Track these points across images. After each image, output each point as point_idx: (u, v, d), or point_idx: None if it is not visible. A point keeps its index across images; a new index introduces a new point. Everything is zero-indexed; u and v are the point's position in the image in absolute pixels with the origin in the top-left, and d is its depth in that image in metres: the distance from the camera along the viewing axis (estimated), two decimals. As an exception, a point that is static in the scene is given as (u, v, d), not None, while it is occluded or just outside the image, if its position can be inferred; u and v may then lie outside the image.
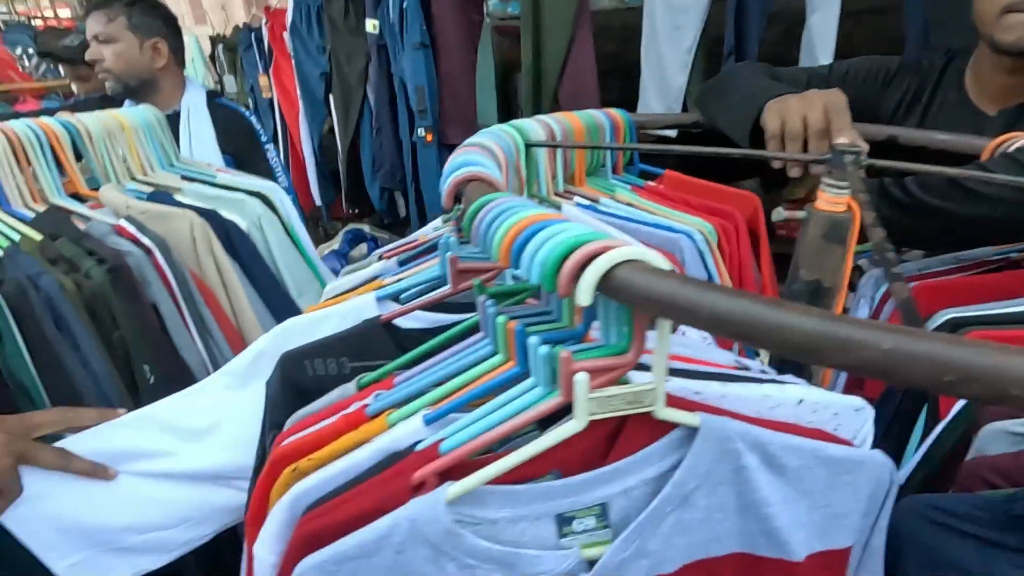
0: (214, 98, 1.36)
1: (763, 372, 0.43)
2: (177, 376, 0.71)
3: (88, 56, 1.24)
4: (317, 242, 2.00)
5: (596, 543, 0.35)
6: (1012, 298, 0.53)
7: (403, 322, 0.50)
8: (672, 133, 1.34)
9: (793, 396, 0.37)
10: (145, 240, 0.71)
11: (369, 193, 2.22)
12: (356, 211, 2.56)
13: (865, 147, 0.52)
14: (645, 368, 0.33)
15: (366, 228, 2.41)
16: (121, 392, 0.64)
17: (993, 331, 0.49)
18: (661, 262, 0.29)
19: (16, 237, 0.68)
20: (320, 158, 2.54)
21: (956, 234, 0.62)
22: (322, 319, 0.53)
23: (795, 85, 0.77)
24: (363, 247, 2.39)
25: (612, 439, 0.35)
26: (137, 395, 0.66)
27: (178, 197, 0.86)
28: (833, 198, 0.50)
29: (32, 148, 0.76)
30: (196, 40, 3.26)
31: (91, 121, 0.83)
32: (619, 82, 1.53)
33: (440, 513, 0.32)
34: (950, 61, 0.80)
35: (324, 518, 0.34)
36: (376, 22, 1.89)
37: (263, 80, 2.65)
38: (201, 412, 0.56)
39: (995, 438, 0.41)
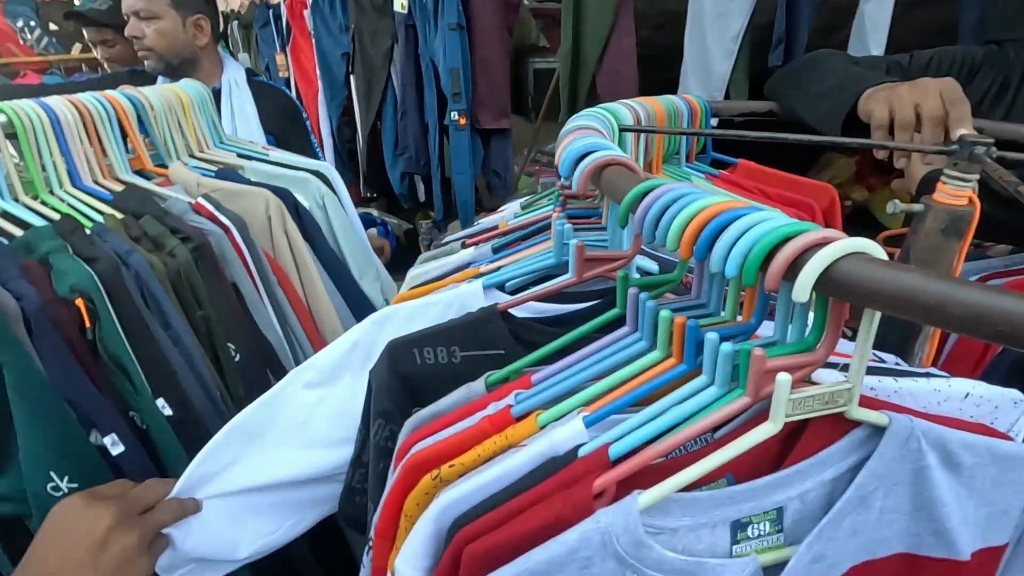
0: (252, 76, 1.34)
1: (897, 364, 0.42)
2: (259, 354, 0.71)
3: (128, 32, 1.20)
4: None
5: (769, 548, 0.34)
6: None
7: (517, 311, 0.48)
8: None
9: (960, 390, 0.36)
10: (223, 218, 0.70)
11: (389, 177, 2.17)
12: (374, 195, 2.52)
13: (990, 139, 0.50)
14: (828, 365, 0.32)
15: (374, 212, 2.37)
16: (210, 369, 0.65)
17: None
18: (880, 252, 0.27)
19: (97, 216, 0.67)
20: (337, 139, 2.48)
21: None
22: (422, 308, 0.51)
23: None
24: (373, 231, 2.36)
25: (788, 440, 0.34)
26: (222, 373, 0.66)
27: (245, 175, 0.85)
28: (955, 191, 0.49)
29: (102, 122, 0.73)
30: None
31: (153, 96, 0.80)
32: (656, 69, 1.50)
33: (633, 523, 0.30)
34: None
35: (496, 534, 0.31)
36: (405, 1, 1.84)
37: (280, 59, 2.57)
38: (287, 415, 0.53)
39: None
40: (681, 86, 1.42)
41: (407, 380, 0.47)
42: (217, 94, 1.26)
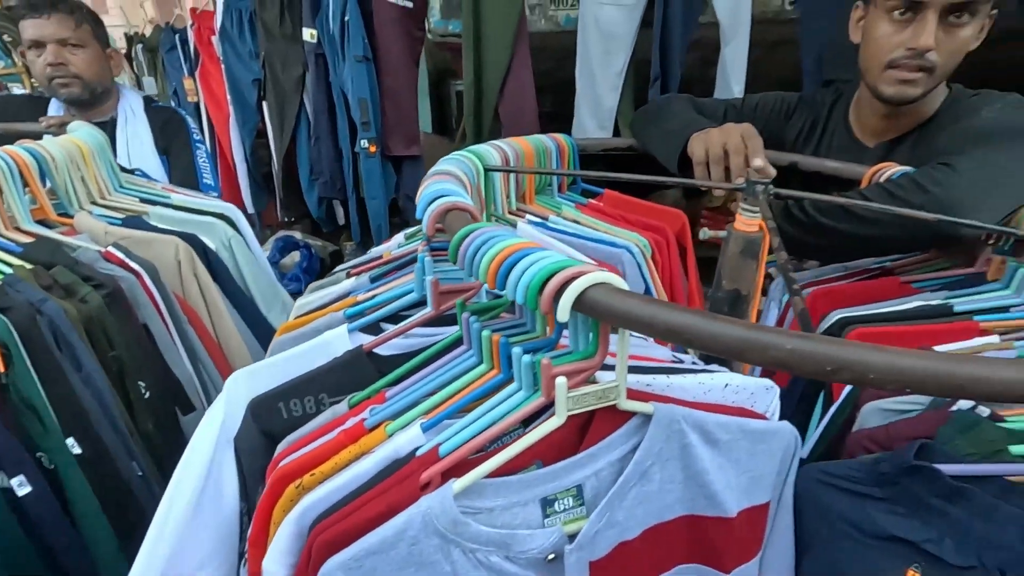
0: (151, 103, 1.39)
1: (694, 363, 0.52)
2: (168, 390, 0.77)
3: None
4: None
5: (574, 519, 0.42)
6: (885, 299, 0.66)
7: (383, 349, 0.52)
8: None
9: (720, 381, 0.46)
10: (134, 265, 0.75)
11: (306, 201, 2.17)
12: (291, 219, 2.50)
13: (772, 173, 0.63)
14: (608, 368, 0.41)
15: (297, 235, 2.35)
16: (120, 407, 0.68)
17: (870, 328, 0.61)
18: (622, 283, 0.36)
19: (7, 268, 0.70)
20: (252, 164, 2.48)
21: (844, 248, 0.75)
22: (284, 363, 0.51)
23: (715, 115, 0.90)
24: (295, 255, 2.34)
25: (583, 430, 0.42)
26: (132, 411, 0.71)
27: (151, 221, 0.89)
28: (748, 220, 0.61)
29: (4, 179, 0.76)
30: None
31: (54, 148, 0.83)
32: (555, 98, 1.63)
33: (449, 505, 0.37)
34: (837, 99, 0.95)
35: (340, 524, 0.38)
36: (315, 31, 1.87)
37: (188, 84, 2.54)
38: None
39: (872, 414, 0.52)
40: (576, 116, 1.55)
41: (276, 438, 0.47)
42: (114, 122, 1.27)
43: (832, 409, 0.58)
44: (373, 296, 0.57)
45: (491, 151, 0.71)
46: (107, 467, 0.67)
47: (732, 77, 1.46)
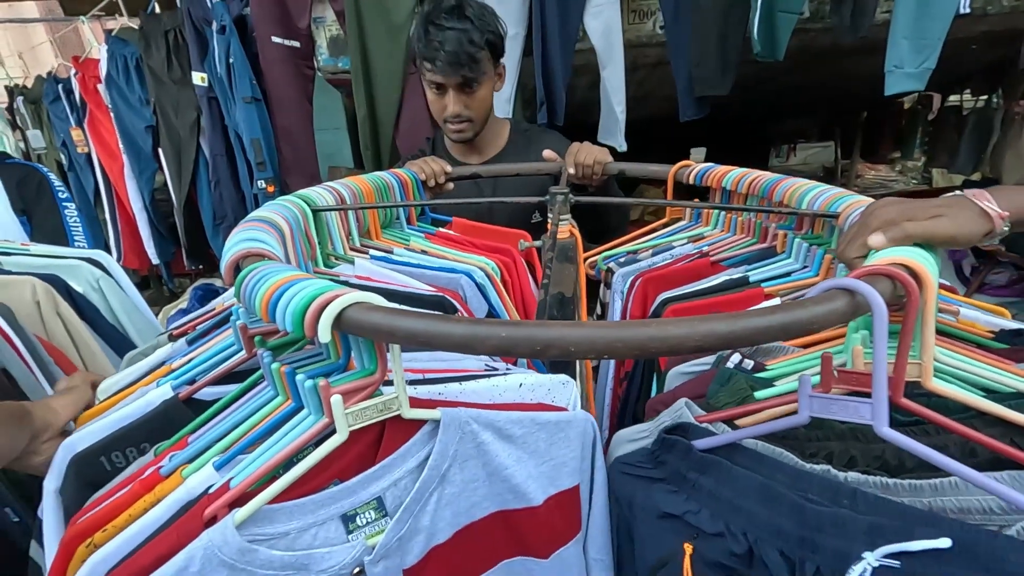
0: (4, 159, 1.30)
1: (508, 370, 0.55)
2: None
3: None
4: (162, 302, 1.87)
5: (379, 532, 0.43)
6: (700, 279, 0.73)
7: (205, 395, 0.51)
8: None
9: (514, 382, 0.49)
10: None
11: (212, 247, 2.12)
12: (200, 267, 2.41)
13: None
14: (418, 383, 0.43)
15: (218, 283, 2.27)
16: None
17: (684, 304, 0.67)
18: (378, 300, 0.39)
19: None
20: (153, 214, 2.39)
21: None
22: (112, 424, 0.50)
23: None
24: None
25: (378, 444, 0.44)
26: None
27: (7, 265, 0.85)
28: (560, 228, 0.66)
29: None
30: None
31: None
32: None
33: (230, 536, 0.38)
34: (436, 136, 1.23)
35: (123, 572, 0.38)
36: (204, 75, 1.85)
37: (76, 134, 2.43)
38: None
39: (674, 377, 0.57)
40: (472, 142, 1.61)
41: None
42: None
43: (658, 380, 0.63)
44: (189, 360, 0.55)
45: (323, 193, 0.73)
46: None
47: (613, 98, 1.57)
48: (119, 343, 0.92)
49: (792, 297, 0.58)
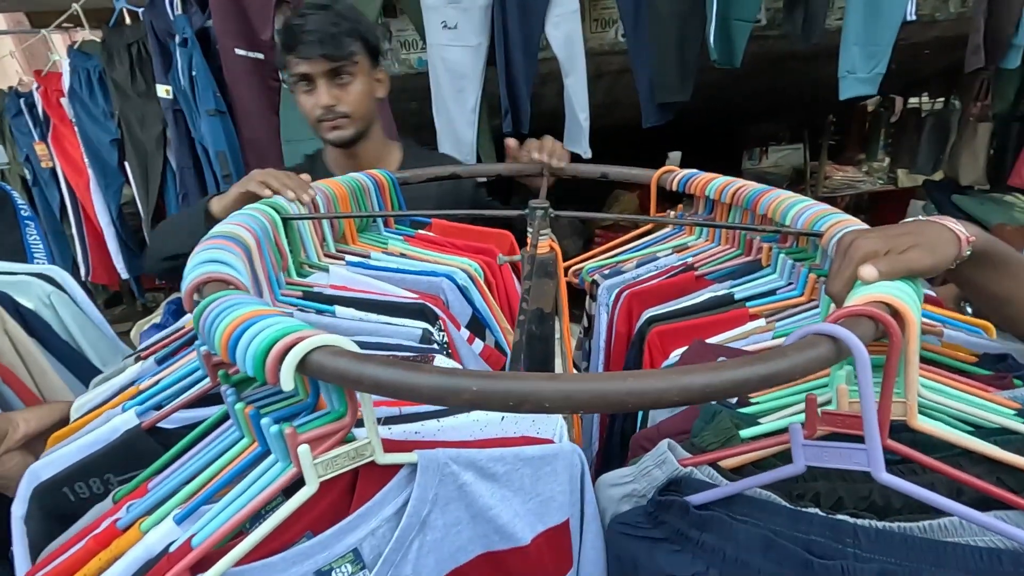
0: None
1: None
2: None
3: None
4: (135, 317, 1.81)
5: (356, 584, 0.41)
6: (685, 294, 0.72)
7: (169, 423, 0.49)
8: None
9: (496, 415, 0.47)
10: None
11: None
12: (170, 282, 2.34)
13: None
14: (392, 421, 0.40)
15: (192, 300, 2.19)
16: None
17: (668, 325, 0.66)
18: (346, 345, 0.36)
19: None
20: (121, 228, 2.33)
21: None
22: (78, 451, 0.48)
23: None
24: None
25: (351, 491, 0.41)
26: None
27: None
28: (539, 243, 0.64)
29: None
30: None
31: None
32: (424, 135, 1.66)
33: (190, 604, 0.34)
34: (314, 156, 1.14)
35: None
36: (169, 87, 1.80)
37: (40, 148, 2.36)
38: None
39: (660, 411, 0.55)
40: (440, 151, 1.59)
41: (67, 521, 0.45)
42: None
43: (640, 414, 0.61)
44: (158, 381, 0.53)
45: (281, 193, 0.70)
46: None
47: (576, 105, 1.56)
48: (72, 360, 0.87)
49: (780, 318, 0.57)
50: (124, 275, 2.45)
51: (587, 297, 0.83)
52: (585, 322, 0.90)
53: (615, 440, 0.70)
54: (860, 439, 0.35)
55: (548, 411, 0.31)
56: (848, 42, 1.44)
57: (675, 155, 3.39)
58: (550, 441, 0.48)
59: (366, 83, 1.01)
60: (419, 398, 0.32)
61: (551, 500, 0.47)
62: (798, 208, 0.57)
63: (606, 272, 0.83)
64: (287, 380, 0.34)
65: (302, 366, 0.35)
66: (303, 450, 0.37)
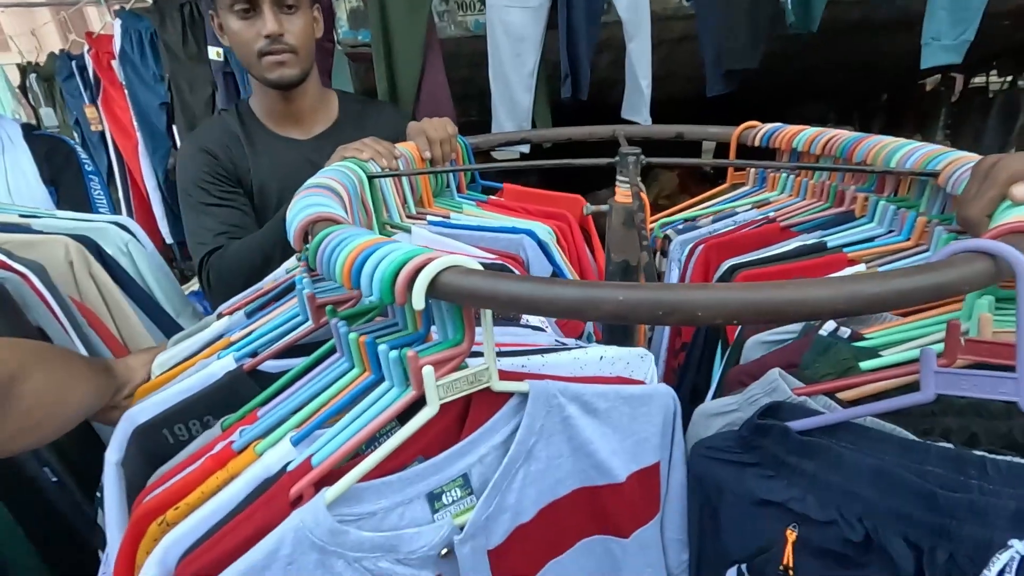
0: (31, 131, 1.28)
1: (577, 345, 0.53)
2: None
3: None
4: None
5: (465, 510, 0.41)
6: (768, 245, 0.69)
7: (269, 367, 0.49)
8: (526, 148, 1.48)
9: (595, 355, 0.46)
10: (17, 266, 0.69)
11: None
12: (213, 248, 2.39)
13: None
14: (479, 355, 0.40)
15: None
16: None
17: (755, 270, 0.64)
18: (473, 264, 0.36)
19: None
20: (167, 193, 2.34)
21: None
22: (174, 396, 0.48)
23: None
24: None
25: (462, 419, 0.42)
26: None
27: (36, 227, 0.83)
28: (625, 191, 0.63)
29: None
30: (2, 70, 2.78)
31: None
32: (475, 103, 1.63)
33: (322, 516, 0.35)
34: (239, 107, 0.99)
35: (207, 555, 0.35)
36: (220, 49, 1.80)
37: (90, 112, 2.36)
38: None
39: (754, 348, 0.54)
40: (494, 118, 1.57)
41: (165, 463, 0.45)
42: None
43: (728, 351, 0.60)
44: (250, 332, 0.53)
45: (375, 160, 0.70)
46: (13, 475, 0.63)
47: (639, 72, 1.51)
48: (150, 307, 0.90)
49: (884, 263, 0.55)
50: (168, 239, 2.47)
51: (657, 254, 0.82)
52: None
53: (683, 393, 0.69)
54: (1003, 370, 0.34)
55: (699, 321, 0.30)
56: (935, 6, 1.33)
57: (708, 145, 3.29)
58: (642, 382, 0.48)
59: (309, 19, 0.92)
60: (558, 311, 0.32)
61: (645, 441, 0.47)
62: (905, 151, 0.54)
63: (679, 228, 0.80)
64: (419, 299, 0.34)
65: (432, 287, 0.35)
66: (427, 371, 0.37)
